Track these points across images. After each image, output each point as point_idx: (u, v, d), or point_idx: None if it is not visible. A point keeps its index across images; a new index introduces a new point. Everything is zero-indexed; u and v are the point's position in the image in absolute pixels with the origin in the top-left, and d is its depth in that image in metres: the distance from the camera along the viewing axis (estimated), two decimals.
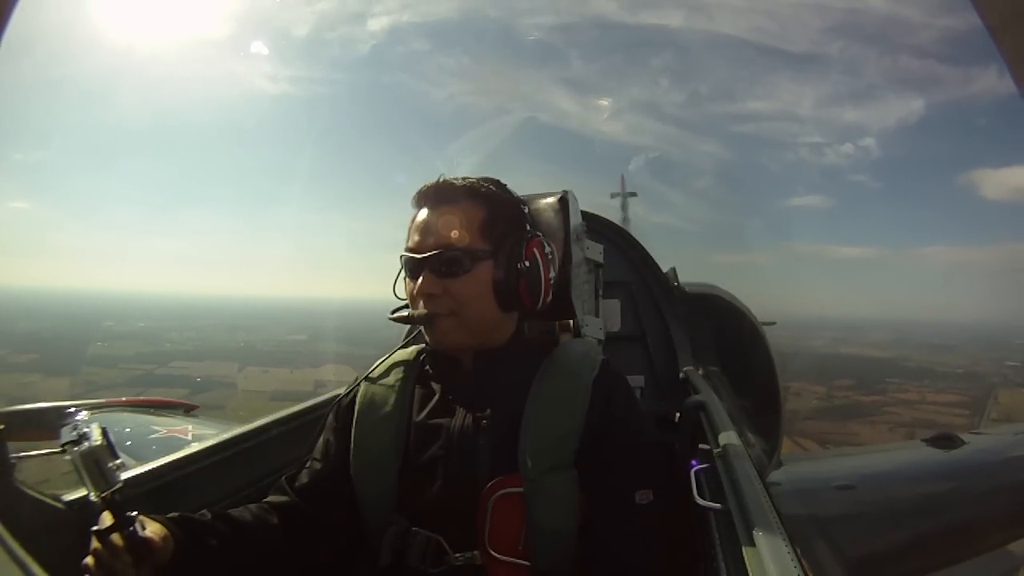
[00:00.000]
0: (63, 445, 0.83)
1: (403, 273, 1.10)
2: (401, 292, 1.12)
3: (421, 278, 1.02)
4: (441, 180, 1.09)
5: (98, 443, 0.83)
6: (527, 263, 1.05)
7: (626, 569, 0.94)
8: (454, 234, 1.02)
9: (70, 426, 0.84)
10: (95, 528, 0.74)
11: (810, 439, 25.56)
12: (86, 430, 0.85)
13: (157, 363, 37.48)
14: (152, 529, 0.84)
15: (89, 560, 0.80)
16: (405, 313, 1.08)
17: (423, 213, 1.07)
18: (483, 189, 1.08)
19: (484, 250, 1.03)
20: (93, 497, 0.70)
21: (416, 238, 1.05)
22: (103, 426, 0.87)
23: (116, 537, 0.75)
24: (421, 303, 1.03)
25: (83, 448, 0.82)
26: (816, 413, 29.73)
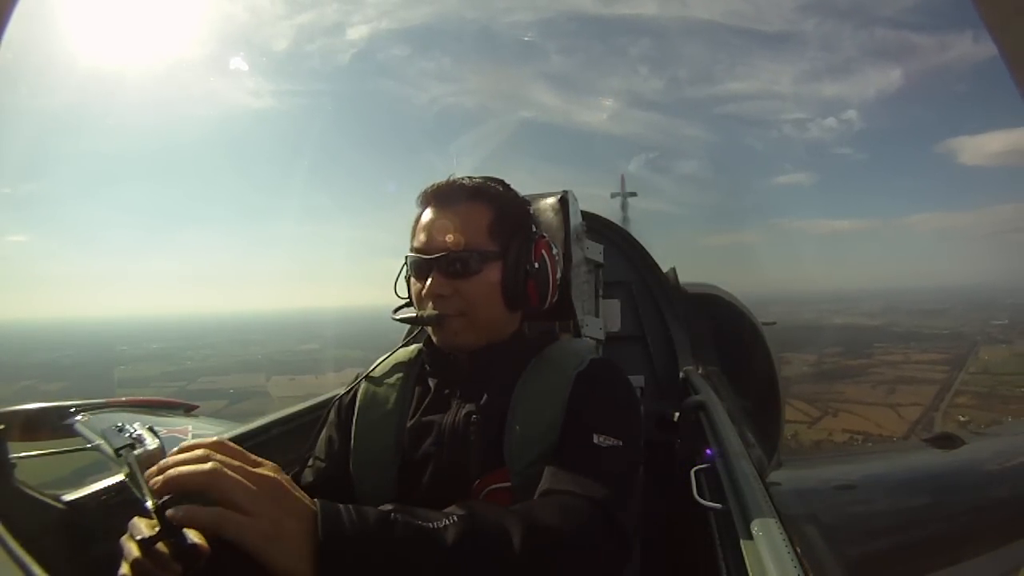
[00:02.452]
0: (117, 450, 0.78)
1: (406, 272, 1.09)
2: (402, 291, 1.12)
3: (430, 279, 1.01)
4: (450, 180, 1.08)
5: (154, 447, 0.79)
6: (536, 264, 1.07)
7: (569, 494, 0.84)
8: (463, 235, 1.02)
9: (115, 427, 0.80)
10: (140, 537, 0.64)
11: (801, 400, 28.10)
12: (139, 433, 0.82)
13: (186, 380, 39.14)
14: (194, 535, 0.71)
15: (125, 570, 0.67)
16: (412, 313, 1.07)
17: (431, 212, 1.06)
18: (491, 189, 1.08)
19: (493, 251, 1.03)
20: (149, 504, 0.61)
21: (424, 238, 1.04)
22: (151, 426, 0.84)
23: (161, 546, 0.64)
24: (430, 304, 1.02)
25: (140, 452, 0.78)
26: (805, 378, 31.92)
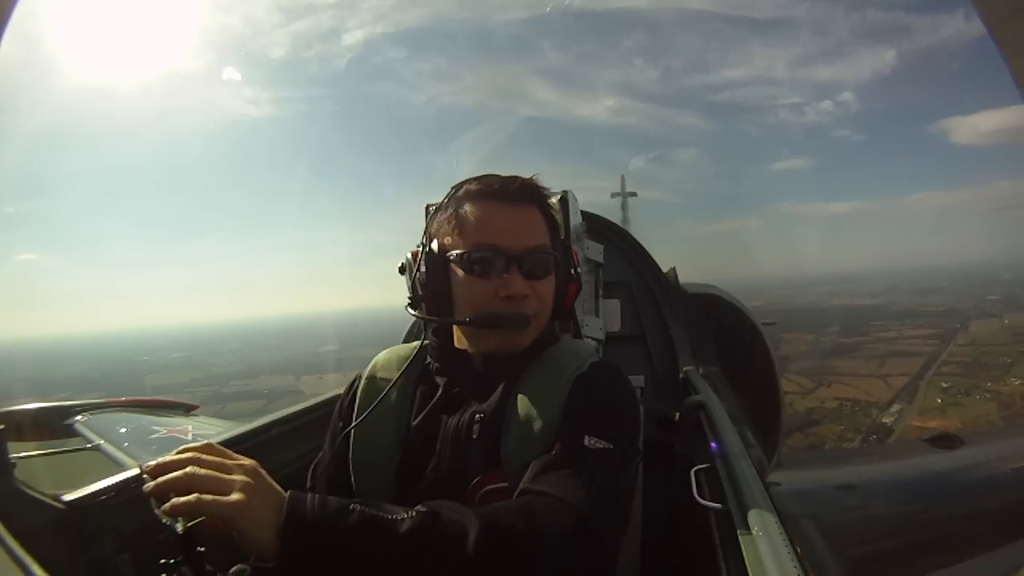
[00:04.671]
0: (143, 471, 0.78)
1: (450, 267, 1.01)
2: (403, 287, 1.10)
3: (514, 278, 0.98)
4: (514, 177, 1.05)
5: None
6: (578, 269, 1.10)
7: (542, 495, 0.82)
8: (541, 235, 1.02)
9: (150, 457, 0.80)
10: (164, 560, 0.67)
11: (798, 375, 29.92)
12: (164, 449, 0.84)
13: (219, 384, 41.02)
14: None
15: None
16: (492, 312, 0.99)
17: (499, 207, 1.01)
18: (544, 192, 1.08)
19: (557, 255, 1.05)
20: (179, 529, 0.65)
21: (497, 233, 0.99)
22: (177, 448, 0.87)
23: (186, 570, 0.67)
24: (503, 304, 0.98)
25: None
26: (803, 355, 33.87)
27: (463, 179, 1.09)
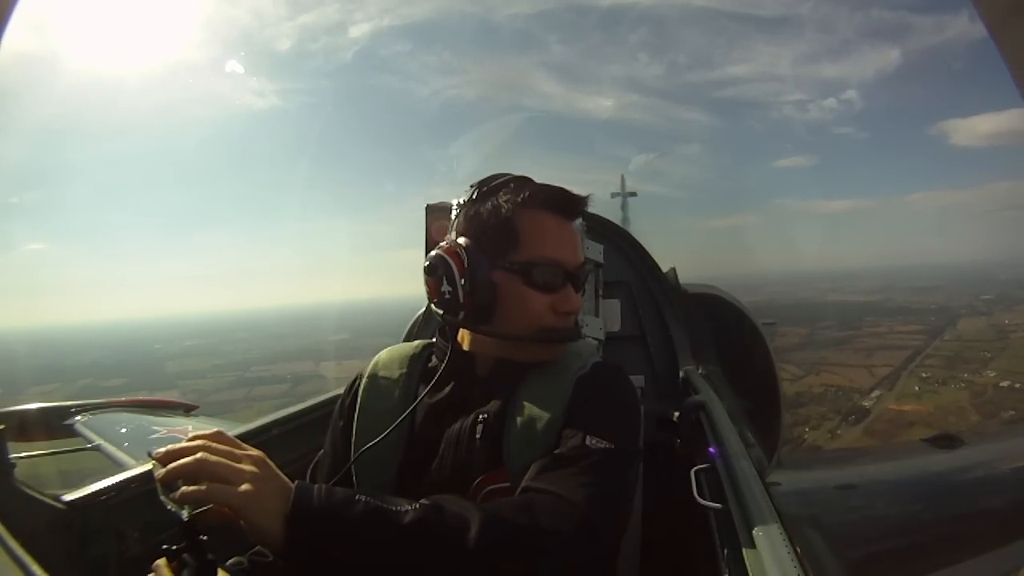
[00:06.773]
0: (152, 457, 0.79)
1: (491, 275, 0.99)
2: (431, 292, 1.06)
3: (571, 293, 1.02)
4: (570, 191, 1.04)
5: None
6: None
7: (544, 492, 0.83)
8: (581, 251, 1.06)
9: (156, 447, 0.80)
10: (166, 546, 0.67)
11: (792, 364, 31.87)
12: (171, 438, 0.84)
13: (241, 370, 42.15)
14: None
15: None
16: (554, 326, 1.01)
17: (561, 222, 1.02)
18: None
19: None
20: (185, 517, 0.65)
21: (562, 247, 1.01)
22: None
23: (188, 558, 0.67)
24: (561, 318, 1.02)
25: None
26: (797, 347, 36.07)
27: (483, 178, 1.06)
